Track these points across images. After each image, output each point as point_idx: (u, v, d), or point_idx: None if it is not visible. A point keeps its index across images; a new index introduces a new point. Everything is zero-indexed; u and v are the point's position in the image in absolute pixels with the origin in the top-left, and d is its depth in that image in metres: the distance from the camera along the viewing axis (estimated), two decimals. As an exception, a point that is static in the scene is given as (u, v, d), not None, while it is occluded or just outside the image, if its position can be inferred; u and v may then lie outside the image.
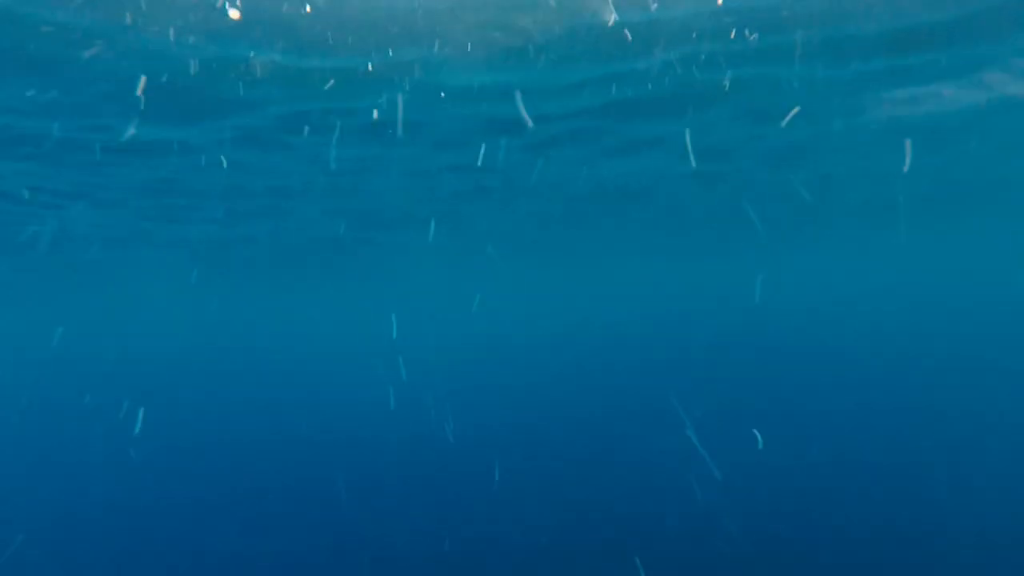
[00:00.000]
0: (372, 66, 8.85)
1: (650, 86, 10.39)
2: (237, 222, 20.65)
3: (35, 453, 18.13)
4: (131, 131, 10.88)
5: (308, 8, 7.13)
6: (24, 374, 41.26)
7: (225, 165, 13.74)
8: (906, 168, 14.07)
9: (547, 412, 19.47)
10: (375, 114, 10.84)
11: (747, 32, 8.58)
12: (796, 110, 11.55)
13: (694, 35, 8.60)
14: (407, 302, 75.57)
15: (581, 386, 23.75)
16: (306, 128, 11.54)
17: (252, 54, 8.20)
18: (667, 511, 11.01)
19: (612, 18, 7.86)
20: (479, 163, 15.19)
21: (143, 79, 8.66)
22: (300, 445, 17.34)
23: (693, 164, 10.40)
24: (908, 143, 13.62)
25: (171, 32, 7.46)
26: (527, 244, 32.64)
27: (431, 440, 16.95)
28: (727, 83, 10.42)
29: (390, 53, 8.51)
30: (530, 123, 10.24)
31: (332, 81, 9.24)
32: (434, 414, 20.10)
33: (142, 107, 9.82)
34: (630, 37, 8.49)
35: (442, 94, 10.22)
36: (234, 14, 6.93)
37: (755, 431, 13.92)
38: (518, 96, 10.31)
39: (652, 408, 18.68)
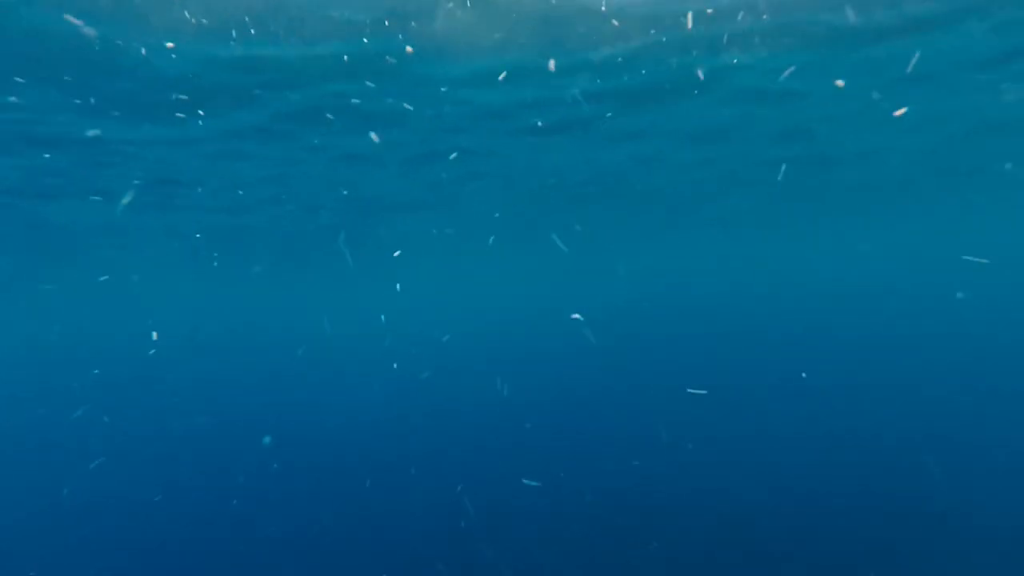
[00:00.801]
0: (369, 50, 9.12)
1: (644, 72, 10.69)
2: (241, 211, 20.91)
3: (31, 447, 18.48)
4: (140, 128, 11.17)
5: None
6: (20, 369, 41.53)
7: (228, 157, 13.98)
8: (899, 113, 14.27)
9: (547, 395, 19.85)
10: (387, 101, 11.11)
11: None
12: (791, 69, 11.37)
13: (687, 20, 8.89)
14: (409, 287, 75.68)
15: (578, 369, 24.14)
16: (311, 118, 11.82)
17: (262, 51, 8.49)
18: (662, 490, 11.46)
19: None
20: (476, 149, 15.46)
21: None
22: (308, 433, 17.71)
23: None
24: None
25: (189, 31, 7.77)
26: (526, 228, 32.92)
27: (430, 424, 17.35)
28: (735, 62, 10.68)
29: (384, 40, 8.79)
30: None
31: (342, 62, 9.51)
32: (430, 397, 20.51)
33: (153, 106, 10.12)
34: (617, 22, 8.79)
35: (443, 89, 10.49)
36: None
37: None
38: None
39: (650, 388, 19.10)
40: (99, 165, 13.57)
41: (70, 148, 12.31)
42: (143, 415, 21.04)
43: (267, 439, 14.03)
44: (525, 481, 10.77)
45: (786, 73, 11.31)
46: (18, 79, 8.84)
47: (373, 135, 9.46)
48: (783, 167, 15.50)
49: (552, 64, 10.03)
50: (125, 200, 12.17)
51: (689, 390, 15.00)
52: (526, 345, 32.36)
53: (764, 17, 8.96)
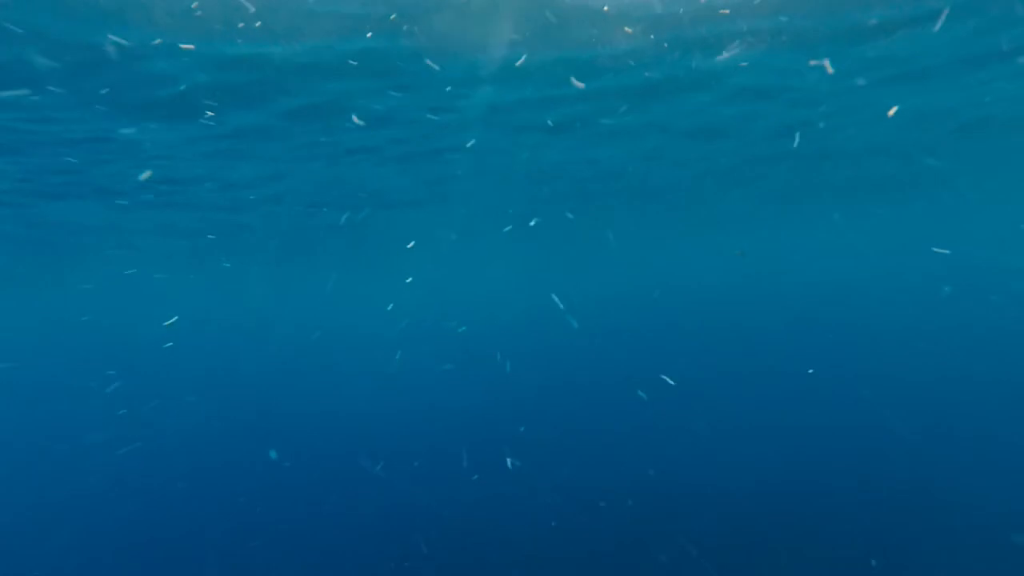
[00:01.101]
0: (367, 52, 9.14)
1: (648, 74, 10.73)
2: (243, 209, 20.89)
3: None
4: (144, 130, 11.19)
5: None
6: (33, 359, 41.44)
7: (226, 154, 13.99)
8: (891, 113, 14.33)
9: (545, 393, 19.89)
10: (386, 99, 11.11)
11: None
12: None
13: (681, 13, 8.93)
14: (411, 281, 75.41)
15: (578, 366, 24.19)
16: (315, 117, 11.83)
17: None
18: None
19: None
20: (478, 147, 15.48)
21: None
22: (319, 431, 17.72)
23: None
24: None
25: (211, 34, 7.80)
26: (525, 226, 32.94)
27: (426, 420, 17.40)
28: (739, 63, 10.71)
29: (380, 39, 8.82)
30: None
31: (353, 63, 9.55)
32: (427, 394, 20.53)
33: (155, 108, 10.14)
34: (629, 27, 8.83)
35: (446, 88, 10.52)
36: None
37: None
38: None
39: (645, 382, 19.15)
40: (100, 163, 13.57)
41: (70, 147, 12.30)
42: (141, 414, 21.03)
43: (273, 453, 14.12)
44: (509, 461, 10.83)
45: (813, 63, 11.20)
46: (19, 78, 8.85)
47: (355, 118, 9.42)
48: (797, 135, 15.55)
49: (554, 64, 10.08)
50: (143, 176, 12.15)
51: (662, 376, 15.09)
52: (526, 345, 32.38)
53: (764, 17, 9.02)
